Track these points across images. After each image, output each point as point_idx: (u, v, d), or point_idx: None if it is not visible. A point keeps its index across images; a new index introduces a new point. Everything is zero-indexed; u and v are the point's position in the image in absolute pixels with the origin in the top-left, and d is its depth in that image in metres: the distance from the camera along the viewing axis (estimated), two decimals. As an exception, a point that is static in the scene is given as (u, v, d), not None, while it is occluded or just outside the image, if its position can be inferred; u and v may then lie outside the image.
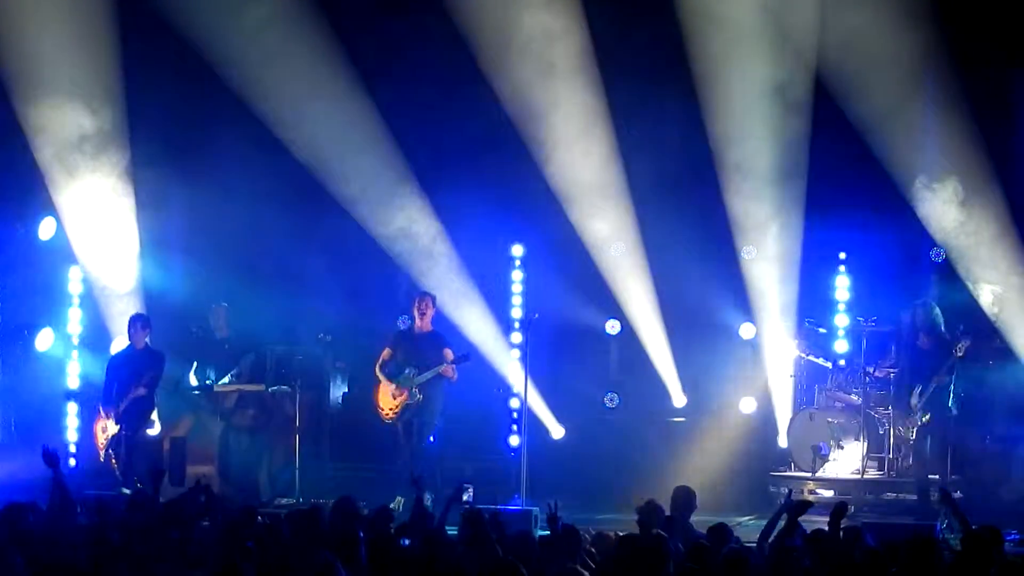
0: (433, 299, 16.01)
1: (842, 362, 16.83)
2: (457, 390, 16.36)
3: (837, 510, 9.61)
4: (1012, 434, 15.39)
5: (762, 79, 16.59)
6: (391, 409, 15.81)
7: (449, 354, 15.75)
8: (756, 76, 16.60)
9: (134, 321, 16.04)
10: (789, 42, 16.57)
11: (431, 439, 15.86)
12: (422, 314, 15.81)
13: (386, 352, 16.02)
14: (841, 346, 17.19)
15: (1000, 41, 16.28)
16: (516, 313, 17.65)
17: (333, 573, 8.01)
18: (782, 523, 9.70)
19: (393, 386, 15.77)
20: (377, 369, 16.01)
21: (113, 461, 15.71)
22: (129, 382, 15.78)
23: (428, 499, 13.36)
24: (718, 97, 16.78)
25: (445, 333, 16.12)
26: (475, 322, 17.47)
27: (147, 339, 15.96)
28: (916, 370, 15.28)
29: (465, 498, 14.04)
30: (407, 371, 15.72)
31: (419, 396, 15.68)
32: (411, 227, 17.63)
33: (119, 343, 16.53)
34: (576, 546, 9.47)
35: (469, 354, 16.03)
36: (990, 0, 16.37)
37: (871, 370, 16.11)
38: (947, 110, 16.39)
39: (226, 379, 16.64)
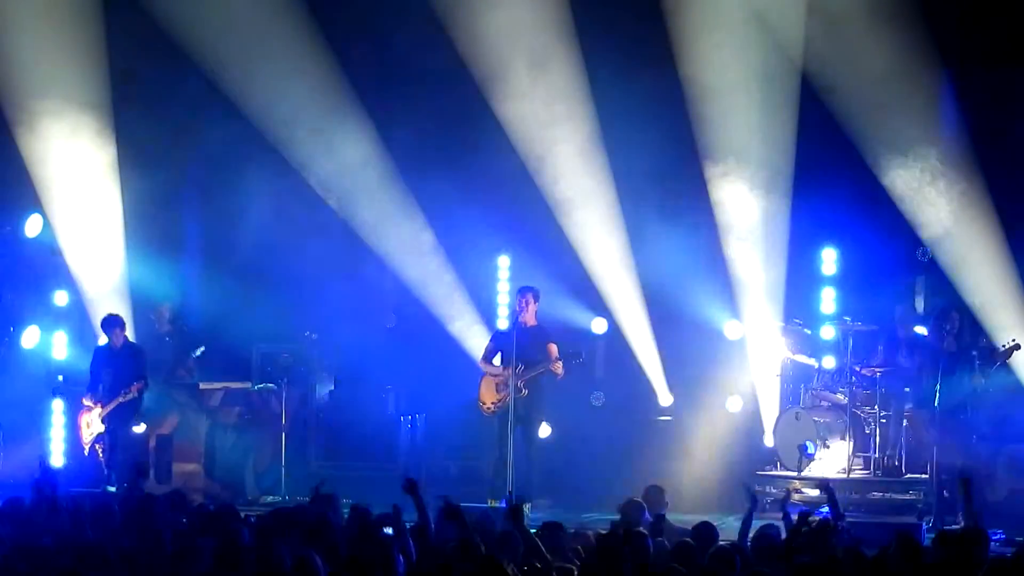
0: (535, 293, 15.62)
1: (831, 360, 16.79)
2: (442, 389, 16.37)
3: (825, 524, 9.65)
4: (997, 434, 15.38)
5: (747, 74, 16.59)
6: (493, 403, 15.53)
7: (554, 349, 15.46)
8: (742, 71, 16.60)
9: (110, 323, 16.00)
10: (774, 35, 16.58)
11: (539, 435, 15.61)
12: (522, 309, 15.46)
13: (489, 345, 15.87)
14: (827, 346, 17.17)
15: (986, 33, 16.29)
16: (503, 312, 17.63)
17: (310, 567, 8.01)
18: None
19: (496, 379, 15.57)
20: (481, 361, 15.87)
21: (100, 455, 15.73)
22: (115, 382, 15.79)
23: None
24: (704, 93, 16.78)
25: (551, 327, 15.83)
26: (462, 323, 17.49)
27: (125, 336, 15.98)
28: (949, 372, 15.16)
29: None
30: (516, 366, 15.34)
31: (524, 391, 15.35)
32: (397, 224, 17.67)
33: (104, 339, 16.49)
34: (562, 544, 9.49)
35: (581, 352, 15.67)
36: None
37: (858, 368, 16.13)
38: (936, 104, 16.42)
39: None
